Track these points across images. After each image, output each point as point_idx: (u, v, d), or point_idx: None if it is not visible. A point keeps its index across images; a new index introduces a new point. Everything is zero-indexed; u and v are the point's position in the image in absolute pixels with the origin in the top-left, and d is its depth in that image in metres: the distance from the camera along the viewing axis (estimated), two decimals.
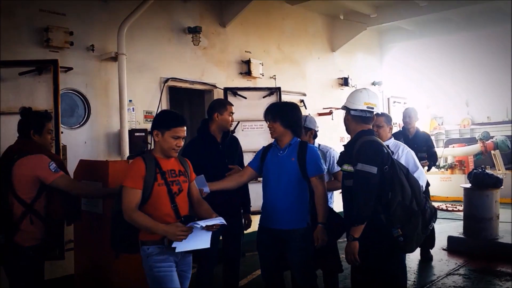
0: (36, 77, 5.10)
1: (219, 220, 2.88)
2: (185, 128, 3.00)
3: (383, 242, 3.12)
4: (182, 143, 3.02)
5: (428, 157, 5.66)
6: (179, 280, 2.95)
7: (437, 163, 6.37)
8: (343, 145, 3.50)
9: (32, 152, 3.22)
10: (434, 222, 3.24)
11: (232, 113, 4.20)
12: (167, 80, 6.45)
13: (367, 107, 3.34)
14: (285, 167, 3.54)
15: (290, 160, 3.54)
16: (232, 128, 4.46)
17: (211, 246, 4.08)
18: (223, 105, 4.20)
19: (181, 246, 2.81)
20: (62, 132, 4.95)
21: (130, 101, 5.86)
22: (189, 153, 3.92)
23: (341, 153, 3.53)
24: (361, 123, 3.37)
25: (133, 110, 5.91)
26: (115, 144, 5.81)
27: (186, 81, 6.75)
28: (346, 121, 3.47)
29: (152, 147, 5.97)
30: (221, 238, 4.33)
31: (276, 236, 3.53)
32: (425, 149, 5.65)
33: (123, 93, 5.71)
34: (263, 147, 3.82)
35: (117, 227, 2.93)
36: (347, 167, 3.28)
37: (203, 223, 2.81)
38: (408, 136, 5.79)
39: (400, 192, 3.09)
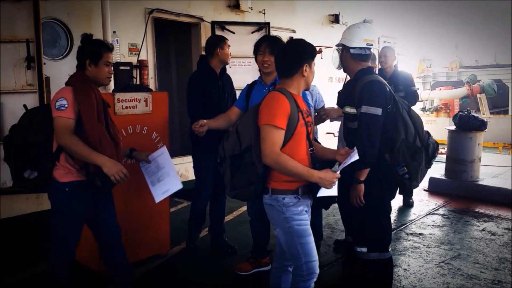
0: (16, 4, 4.82)
1: (355, 153, 2.63)
2: None
3: (388, 181, 3.13)
4: None
5: (405, 96, 5.46)
6: None
7: (416, 103, 6.11)
8: (343, 85, 3.39)
9: (70, 84, 2.89)
10: (436, 156, 3.23)
11: (229, 46, 4.31)
12: (152, 11, 6.18)
13: (367, 44, 3.20)
14: None
15: None
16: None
17: (208, 183, 4.24)
18: (223, 39, 4.31)
19: (322, 193, 2.61)
20: (44, 63, 4.78)
21: (114, 32, 5.63)
22: (196, 87, 4.18)
23: (340, 92, 3.42)
24: (360, 61, 3.22)
25: (117, 42, 5.70)
26: None
27: (172, 13, 6.48)
28: (344, 60, 3.30)
29: (138, 82, 5.86)
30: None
31: None
32: (401, 89, 5.46)
33: (107, 24, 5.47)
34: (247, 85, 3.75)
35: (238, 171, 2.60)
36: (350, 109, 3.17)
37: (345, 165, 2.63)
38: (385, 76, 5.48)
39: (404, 130, 3.06)
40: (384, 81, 3.17)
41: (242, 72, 6.76)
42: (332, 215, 5.53)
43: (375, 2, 10.83)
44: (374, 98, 3.03)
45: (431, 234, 4.98)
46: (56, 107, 2.75)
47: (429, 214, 5.75)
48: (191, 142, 4.40)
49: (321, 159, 2.79)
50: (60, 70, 5.30)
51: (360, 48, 3.19)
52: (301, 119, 2.57)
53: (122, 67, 5.68)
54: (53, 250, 2.94)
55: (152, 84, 6.21)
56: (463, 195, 6.49)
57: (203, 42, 6.87)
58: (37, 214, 5.05)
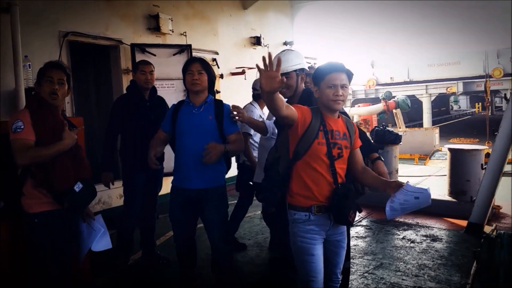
0: None
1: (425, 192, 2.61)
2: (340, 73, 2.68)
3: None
4: (343, 92, 2.67)
5: None
6: (334, 250, 2.78)
7: None
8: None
9: (26, 106, 2.87)
10: None
11: (144, 71, 4.39)
12: (67, 34, 5.98)
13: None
14: (202, 125, 3.44)
15: (208, 118, 3.46)
16: (149, 86, 4.51)
17: (137, 204, 4.40)
18: (136, 64, 4.58)
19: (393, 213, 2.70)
20: None
21: (26, 57, 5.37)
22: (118, 106, 4.40)
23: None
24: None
25: (30, 67, 5.43)
26: (11, 104, 5.33)
27: (88, 36, 6.31)
28: (300, 82, 3.45)
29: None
30: None
31: (193, 196, 3.47)
32: None
33: (17, 48, 5.20)
34: (173, 105, 3.67)
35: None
36: None
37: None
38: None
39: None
40: None
41: (165, 94, 6.54)
42: (261, 233, 5.55)
43: (295, 23, 11.20)
44: None
45: (355, 245, 5.14)
46: (13, 129, 2.71)
47: (352, 226, 5.93)
48: (121, 162, 4.52)
49: (371, 187, 2.87)
50: None
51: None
52: (321, 137, 2.63)
53: (34, 93, 5.42)
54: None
55: (68, 109, 5.97)
56: (384, 205, 6.76)
57: (123, 65, 6.78)
58: None
